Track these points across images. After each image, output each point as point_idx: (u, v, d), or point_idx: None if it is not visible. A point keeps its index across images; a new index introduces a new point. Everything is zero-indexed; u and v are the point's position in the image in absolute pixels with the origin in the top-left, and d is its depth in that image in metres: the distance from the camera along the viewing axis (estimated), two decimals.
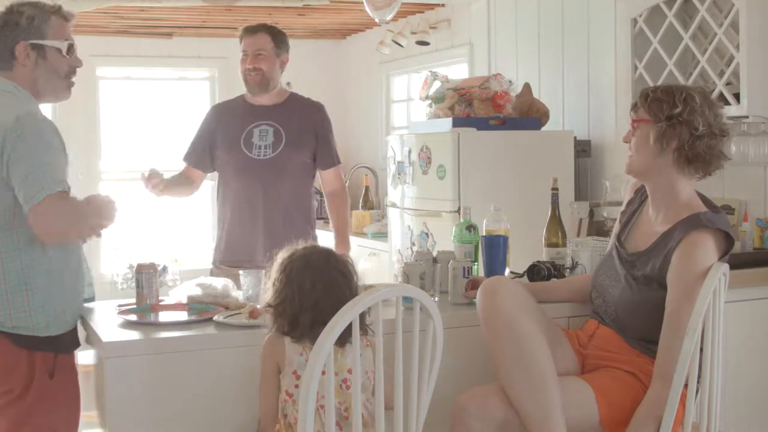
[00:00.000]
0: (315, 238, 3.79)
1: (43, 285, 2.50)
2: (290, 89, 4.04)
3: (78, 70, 2.69)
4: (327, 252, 2.36)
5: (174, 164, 7.57)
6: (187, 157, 3.99)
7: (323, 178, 3.99)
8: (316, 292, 2.25)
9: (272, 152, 3.77)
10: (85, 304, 2.76)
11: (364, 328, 2.22)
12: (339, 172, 4.02)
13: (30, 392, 2.49)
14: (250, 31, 3.83)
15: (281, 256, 2.34)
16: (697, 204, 2.55)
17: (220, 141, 3.88)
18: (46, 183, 2.41)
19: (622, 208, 2.79)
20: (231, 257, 3.84)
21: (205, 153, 3.92)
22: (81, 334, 2.68)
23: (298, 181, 3.86)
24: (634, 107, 2.60)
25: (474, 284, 2.83)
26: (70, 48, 2.65)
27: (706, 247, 2.44)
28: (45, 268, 2.51)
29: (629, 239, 2.67)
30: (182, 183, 3.98)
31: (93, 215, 2.59)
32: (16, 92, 2.56)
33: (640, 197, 2.72)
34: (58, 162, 2.48)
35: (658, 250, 2.51)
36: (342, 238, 3.99)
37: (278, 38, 3.82)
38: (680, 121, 2.48)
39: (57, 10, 2.63)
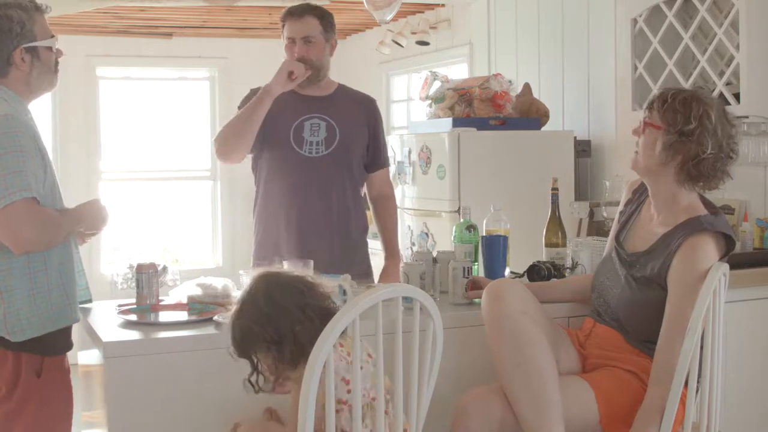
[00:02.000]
0: (366, 243, 3.52)
1: (22, 288, 2.47)
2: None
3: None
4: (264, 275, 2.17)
5: (173, 164, 7.68)
6: None
7: (371, 181, 3.54)
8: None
9: (325, 149, 3.35)
10: (82, 305, 2.76)
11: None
12: (388, 175, 3.62)
13: (17, 392, 2.48)
14: (295, 14, 3.36)
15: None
16: (697, 206, 2.54)
17: (266, 135, 3.37)
18: (11, 189, 2.37)
19: (620, 208, 2.79)
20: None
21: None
22: (77, 336, 2.68)
23: (354, 181, 3.45)
24: (650, 107, 2.54)
25: (474, 284, 2.83)
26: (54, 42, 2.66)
27: (707, 250, 2.44)
28: (23, 272, 2.48)
29: (628, 240, 2.66)
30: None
31: (73, 222, 2.57)
32: (1, 95, 2.53)
33: (638, 198, 2.71)
34: (27, 168, 2.42)
35: (658, 252, 2.51)
36: (392, 250, 3.55)
37: (326, 20, 3.39)
38: (690, 139, 2.45)
39: (38, 7, 2.62)
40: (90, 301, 2.82)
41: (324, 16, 3.39)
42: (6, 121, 2.44)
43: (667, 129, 2.48)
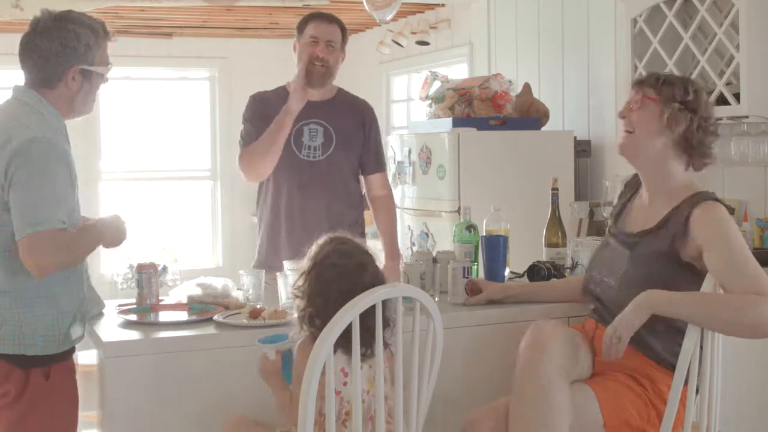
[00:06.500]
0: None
1: (38, 309, 2.47)
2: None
3: None
4: (336, 238, 2.33)
5: (173, 164, 7.68)
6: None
7: (369, 184, 3.65)
8: (327, 277, 2.20)
9: (322, 154, 3.47)
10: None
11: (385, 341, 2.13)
12: (386, 178, 3.71)
13: (25, 395, 2.48)
14: (325, 18, 3.50)
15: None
16: (697, 186, 2.57)
17: None
18: (39, 218, 2.36)
19: (614, 203, 2.81)
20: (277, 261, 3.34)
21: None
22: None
23: (351, 185, 3.58)
24: (640, 84, 2.60)
25: (473, 287, 2.83)
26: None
27: (722, 210, 2.47)
28: (40, 293, 2.47)
29: (627, 223, 2.66)
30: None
31: (94, 240, 2.57)
32: (41, 109, 2.53)
33: (629, 189, 2.73)
34: (59, 194, 2.42)
35: (669, 226, 2.50)
36: (392, 249, 3.65)
37: (345, 33, 3.54)
38: (692, 108, 2.53)
39: (108, 34, 2.62)
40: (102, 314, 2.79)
41: (345, 30, 3.55)
42: (39, 144, 2.42)
43: (668, 99, 2.54)
